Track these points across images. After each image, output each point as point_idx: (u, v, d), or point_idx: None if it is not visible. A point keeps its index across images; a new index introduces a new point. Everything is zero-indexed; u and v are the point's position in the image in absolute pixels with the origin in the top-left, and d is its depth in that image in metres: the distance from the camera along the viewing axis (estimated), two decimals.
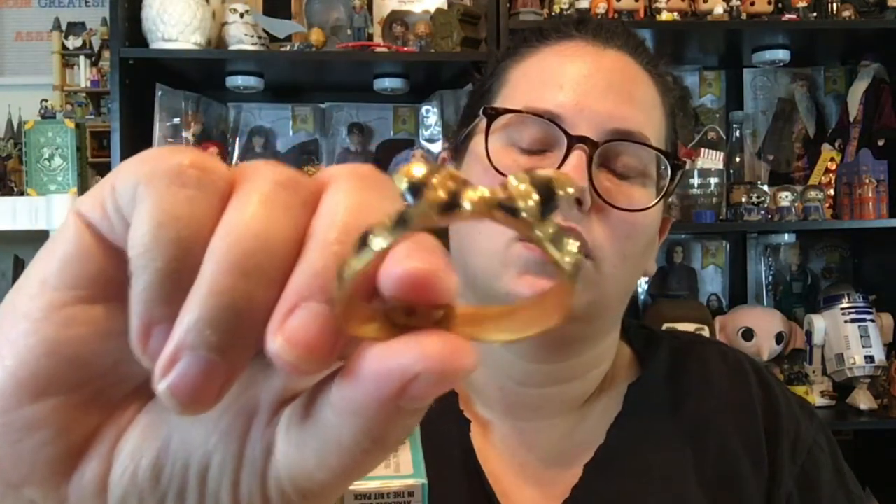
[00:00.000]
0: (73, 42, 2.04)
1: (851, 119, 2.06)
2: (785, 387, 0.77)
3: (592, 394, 0.71)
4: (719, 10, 1.87)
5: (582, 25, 0.68)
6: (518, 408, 0.70)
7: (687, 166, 1.95)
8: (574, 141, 0.61)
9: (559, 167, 0.60)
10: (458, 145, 0.71)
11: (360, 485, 0.39)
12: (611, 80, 0.64)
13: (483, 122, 0.65)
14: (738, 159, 2.07)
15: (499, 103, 0.67)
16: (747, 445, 0.70)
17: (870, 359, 1.85)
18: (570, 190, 0.22)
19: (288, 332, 0.21)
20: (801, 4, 1.89)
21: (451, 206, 0.21)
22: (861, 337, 1.86)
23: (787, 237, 2.17)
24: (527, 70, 0.67)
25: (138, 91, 1.83)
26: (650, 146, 0.64)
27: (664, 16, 1.86)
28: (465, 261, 0.66)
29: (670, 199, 0.73)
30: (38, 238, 1.72)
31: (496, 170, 0.63)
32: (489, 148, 0.63)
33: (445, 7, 1.91)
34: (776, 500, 0.69)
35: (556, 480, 0.67)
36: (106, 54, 2.01)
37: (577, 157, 0.61)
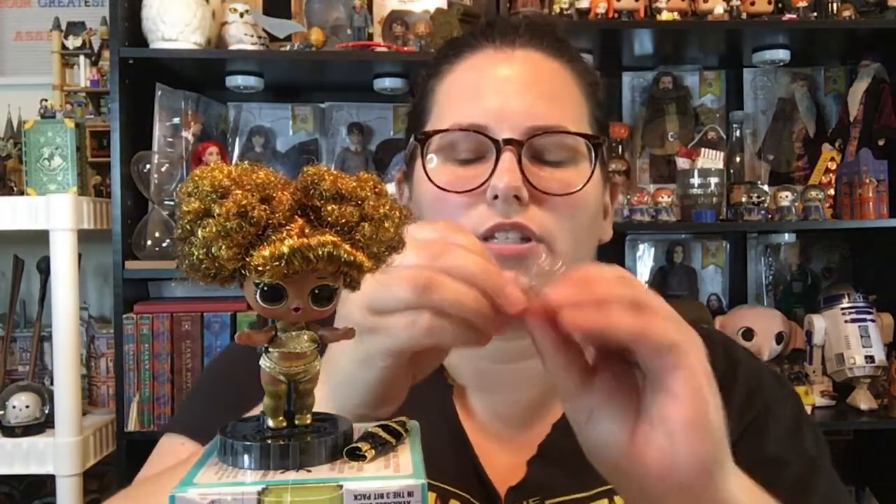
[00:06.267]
0: (73, 42, 2.04)
1: (851, 119, 2.06)
2: (753, 357, 0.84)
3: None
4: (719, 9, 1.87)
5: (489, 33, 0.74)
6: (492, 384, 0.75)
7: (687, 165, 1.95)
8: (501, 144, 0.68)
9: (493, 170, 0.67)
10: (408, 164, 0.78)
11: (361, 485, 0.39)
12: (523, 81, 0.71)
13: (418, 146, 0.72)
14: (738, 159, 2.07)
15: (431, 123, 0.74)
16: None
17: (870, 359, 1.85)
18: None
19: None
20: (802, 4, 1.89)
21: None
22: (861, 337, 1.87)
23: (787, 237, 2.17)
24: (449, 87, 0.74)
25: (138, 91, 1.83)
26: (568, 132, 0.70)
27: (664, 16, 1.86)
28: None
29: (613, 168, 0.79)
30: (37, 238, 1.72)
31: (437, 186, 0.70)
32: (430, 166, 0.71)
33: (445, 7, 1.91)
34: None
35: (527, 441, 0.73)
36: (106, 54, 2.01)
37: (508, 158, 0.67)
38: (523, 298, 0.49)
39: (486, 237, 0.67)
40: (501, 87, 0.70)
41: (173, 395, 1.77)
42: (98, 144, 1.94)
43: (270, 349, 0.44)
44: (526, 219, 0.67)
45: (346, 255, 0.41)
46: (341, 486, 0.39)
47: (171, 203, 1.86)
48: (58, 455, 1.67)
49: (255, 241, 0.41)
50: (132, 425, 1.75)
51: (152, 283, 2.02)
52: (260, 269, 0.40)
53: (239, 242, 0.40)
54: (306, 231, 0.41)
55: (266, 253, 0.40)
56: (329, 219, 0.42)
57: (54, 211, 1.66)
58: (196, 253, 0.41)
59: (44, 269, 1.86)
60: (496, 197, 0.66)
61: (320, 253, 0.40)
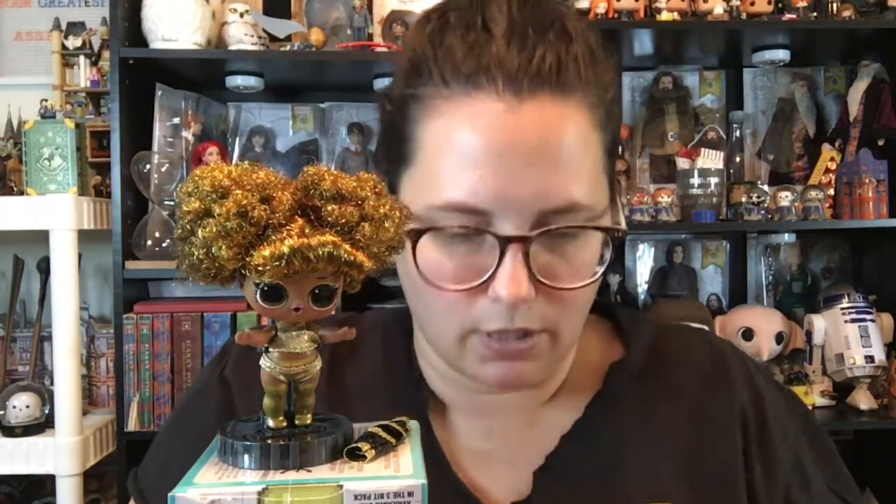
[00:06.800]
0: (73, 42, 2.04)
1: (851, 119, 2.06)
2: (765, 374, 0.78)
3: (564, 381, 0.73)
4: (719, 9, 1.87)
5: (486, 58, 0.58)
6: (484, 409, 0.71)
7: (687, 165, 1.95)
8: (506, 242, 0.58)
9: (496, 269, 0.58)
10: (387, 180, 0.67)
11: (361, 485, 0.39)
12: (531, 151, 0.58)
13: (409, 240, 0.60)
14: (738, 159, 2.07)
15: (415, 174, 0.63)
16: (723, 424, 0.71)
17: (870, 359, 1.85)
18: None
19: None
20: (801, 4, 1.89)
21: None
22: (861, 337, 1.86)
23: (787, 237, 2.17)
24: (438, 138, 0.60)
25: (138, 91, 1.83)
26: (582, 227, 0.61)
27: (664, 16, 1.86)
28: (426, 334, 0.69)
29: (621, 205, 0.70)
30: (37, 238, 1.72)
31: (433, 284, 0.61)
32: (420, 243, 0.61)
33: None
34: (765, 482, 0.70)
35: (527, 454, 0.68)
36: (106, 54, 2.01)
37: (512, 259, 0.58)
38: None
39: (488, 333, 0.61)
40: (504, 164, 0.58)
41: (173, 395, 1.77)
42: (98, 144, 1.94)
43: (270, 349, 0.44)
44: (531, 320, 0.60)
45: (346, 255, 0.41)
46: (341, 486, 0.39)
47: (172, 203, 1.86)
48: (58, 455, 1.67)
49: (256, 241, 0.41)
50: (132, 425, 1.75)
51: (152, 283, 2.02)
52: (260, 268, 0.40)
53: (239, 242, 0.40)
54: (306, 231, 0.41)
55: (266, 253, 0.40)
56: (329, 219, 0.42)
57: (54, 211, 1.66)
58: (196, 253, 0.41)
59: (44, 269, 1.86)
60: (498, 298, 0.59)
61: (320, 253, 0.40)
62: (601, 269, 0.63)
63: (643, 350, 0.74)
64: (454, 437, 0.71)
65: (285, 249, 0.40)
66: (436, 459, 0.67)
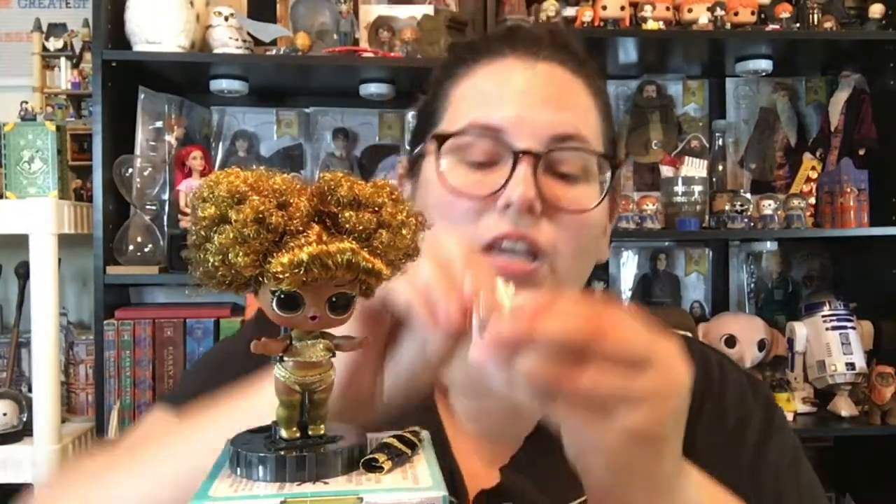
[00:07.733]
0: (54, 43, 2.01)
1: (832, 129, 2.08)
2: (740, 372, 0.79)
3: None
4: (704, 19, 1.88)
5: (511, 41, 0.72)
6: (476, 390, 0.73)
7: (671, 173, 1.96)
8: (519, 153, 0.66)
9: (507, 179, 0.66)
10: (412, 162, 0.77)
11: (381, 497, 0.39)
12: (545, 92, 0.70)
13: (433, 145, 0.70)
14: (720, 167, 2.08)
15: (444, 123, 0.72)
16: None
17: (851, 366, 1.87)
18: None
19: None
20: (784, 15, 1.91)
21: None
22: (842, 344, 1.88)
23: (769, 245, 2.19)
24: (465, 90, 0.72)
25: (120, 93, 1.81)
26: (588, 151, 0.70)
27: (649, 25, 1.88)
28: None
29: (617, 185, 0.78)
30: (15, 242, 1.69)
31: (451, 189, 0.68)
32: (442, 168, 0.70)
33: (432, 13, 1.90)
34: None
35: (501, 449, 0.71)
36: (87, 56, 1.98)
37: (524, 169, 0.66)
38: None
39: (493, 245, 0.66)
40: (522, 98, 0.69)
41: (155, 402, 1.74)
42: (79, 147, 1.91)
43: (285, 358, 0.43)
44: (536, 232, 0.66)
45: (364, 263, 0.41)
46: (361, 499, 0.38)
47: (153, 208, 1.84)
48: (37, 464, 1.63)
49: (272, 247, 0.40)
50: (113, 433, 1.72)
51: (133, 289, 1.99)
52: (279, 276, 0.39)
53: (256, 249, 0.40)
54: (324, 238, 0.40)
55: (285, 260, 0.39)
56: (347, 225, 0.41)
57: (35, 215, 1.63)
58: (212, 260, 0.40)
59: (22, 273, 1.83)
60: (508, 206, 0.65)
61: (339, 260, 0.40)
62: (601, 198, 0.71)
63: None
64: (452, 419, 0.73)
65: (304, 257, 0.39)
66: (441, 441, 0.69)
